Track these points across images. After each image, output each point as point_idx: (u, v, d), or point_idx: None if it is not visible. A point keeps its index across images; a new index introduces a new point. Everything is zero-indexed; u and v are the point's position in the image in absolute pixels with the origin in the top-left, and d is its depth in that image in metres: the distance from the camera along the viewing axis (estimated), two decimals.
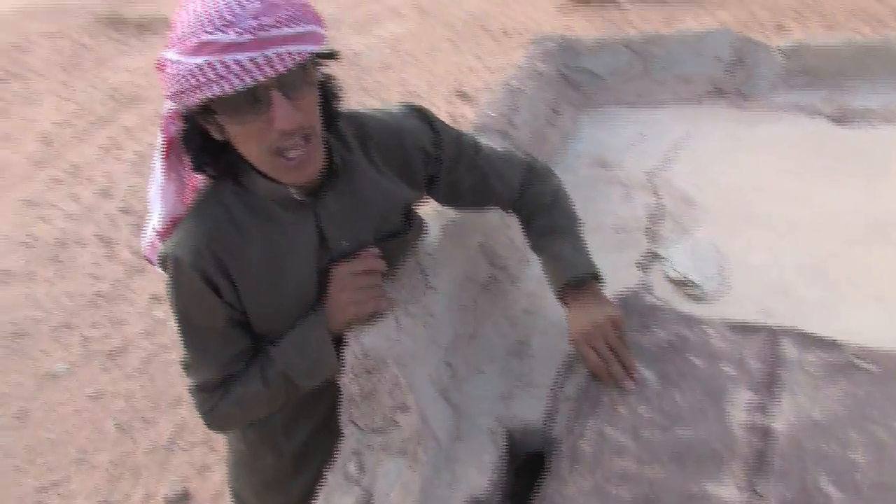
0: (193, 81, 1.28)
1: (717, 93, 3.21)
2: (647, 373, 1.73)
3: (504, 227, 2.32)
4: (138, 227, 5.58)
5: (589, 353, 1.71)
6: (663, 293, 2.09)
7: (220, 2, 1.25)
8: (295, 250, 1.59)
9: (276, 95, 1.31)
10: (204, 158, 1.51)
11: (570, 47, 3.33)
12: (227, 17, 1.24)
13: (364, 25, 9.72)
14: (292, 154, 1.39)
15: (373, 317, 1.64)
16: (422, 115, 1.77)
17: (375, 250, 1.67)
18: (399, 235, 1.79)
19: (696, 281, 2.07)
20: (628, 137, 2.99)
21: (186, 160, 1.56)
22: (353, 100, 7.04)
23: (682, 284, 2.10)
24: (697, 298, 2.05)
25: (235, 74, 1.25)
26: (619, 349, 1.71)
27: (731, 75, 3.18)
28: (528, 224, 1.96)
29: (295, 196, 1.56)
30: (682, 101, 3.23)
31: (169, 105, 1.46)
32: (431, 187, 1.85)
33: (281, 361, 1.63)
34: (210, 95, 1.30)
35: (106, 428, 3.92)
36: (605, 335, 1.70)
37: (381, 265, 1.67)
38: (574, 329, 1.75)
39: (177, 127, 1.49)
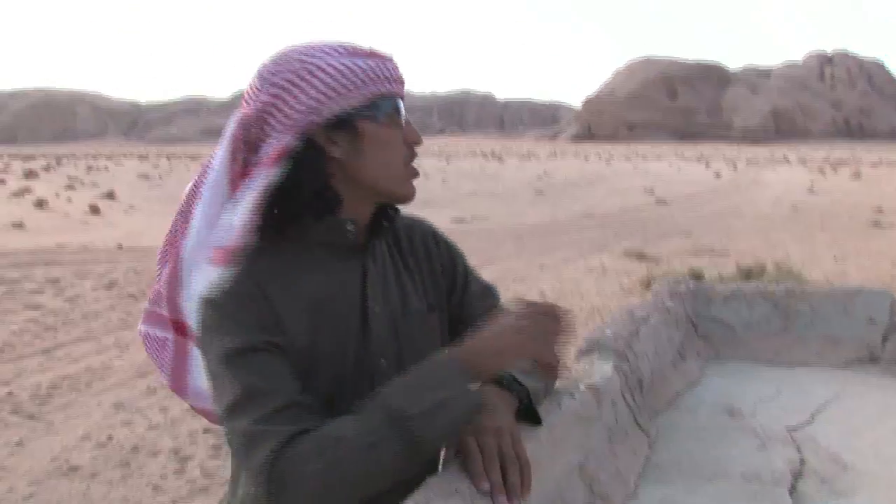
0: (363, 77, 1.40)
1: (870, 359, 2.80)
2: None
3: (612, 456, 1.92)
4: (216, 448, 5.38)
5: (472, 445, 1.32)
6: None
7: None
8: (339, 298, 1.49)
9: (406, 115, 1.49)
10: (313, 180, 1.43)
11: (703, 293, 3.03)
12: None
13: None
14: (414, 168, 1.52)
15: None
16: (440, 233, 1.79)
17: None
18: (426, 313, 1.65)
19: None
20: (762, 392, 2.59)
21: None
22: None
23: None
24: None
25: (397, 81, 1.46)
26: (510, 460, 1.31)
27: (888, 341, 2.78)
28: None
29: (350, 237, 1.51)
30: (827, 364, 2.82)
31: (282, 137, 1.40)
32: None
33: (389, 395, 1.27)
34: (378, 92, 1.42)
35: None
36: (501, 438, 1.33)
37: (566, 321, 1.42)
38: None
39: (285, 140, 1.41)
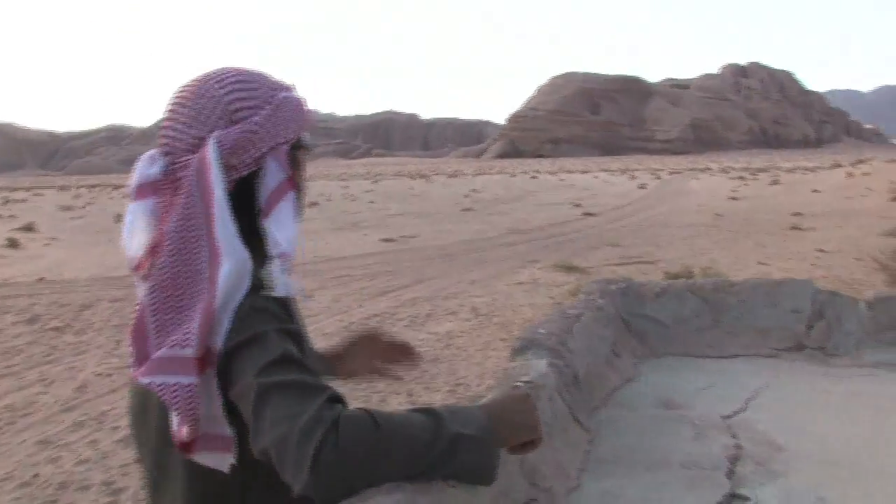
0: (303, 110, 1.49)
1: (796, 347, 2.87)
2: None
3: (553, 451, 1.92)
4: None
5: None
6: None
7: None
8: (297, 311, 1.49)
9: None
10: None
11: (633, 291, 3.07)
12: None
13: (420, 322, 9.79)
14: None
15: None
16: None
17: None
18: None
19: None
20: (697, 384, 2.64)
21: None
22: (402, 387, 6.87)
23: None
24: None
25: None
26: None
27: (812, 329, 2.85)
28: None
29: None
30: (757, 354, 2.88)
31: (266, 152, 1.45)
32: None
33: (453, 420, 1.29)
34: (309, 123, 1.51)
35: None
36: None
37: None
38: None
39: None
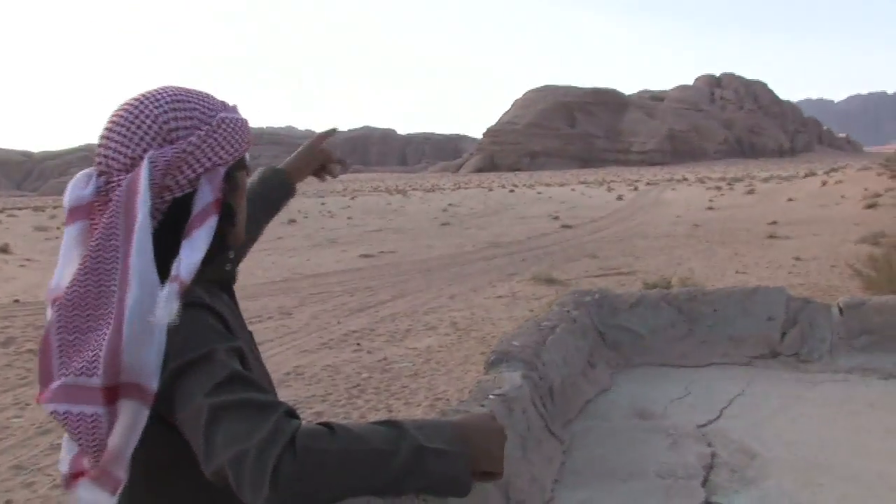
0: (245, 131, 1.45)
1: (771, 355, 2.88)
2: None
3: (527, 463, 1.91)
4: None
5: None
6: None
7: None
8: (241, 327, 1.51)
9: None
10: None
11: (608, 302, 3.07)
12: None
13: (398, 337, 9.76)
14: None
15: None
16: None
17: None
18: None
19: None
20: (672, 394, 2.64)
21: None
22: (381, 403, 6.84)
23: None
24: None
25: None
26: None
27: (786, 336, 2.86)
28: None
29: (228, 267, 1.54)
30: (731, 362, 2.89)
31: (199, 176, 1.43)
32: None
33: (419, 433, 1.27)
34: (250, 146, 1.47)
35: None
36: None
37: None
38: None
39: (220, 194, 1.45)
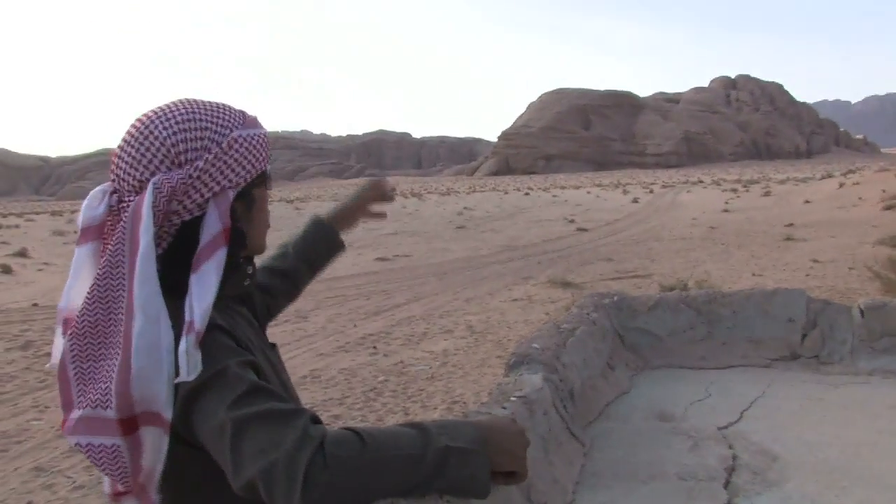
0: (265, 147, 1.44)
1: (791, 357, 2.87)
2: None
3: (548, 465, 1.91)
4: None
5: None
6: None
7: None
8: (258, 341, 1.54)
9: None
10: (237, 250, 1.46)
11: (627, 305, 3.07)
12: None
13: (415, 341, 9.77)
14: None
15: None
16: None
17: None
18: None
19: None
20: (692, 396, 2.63)
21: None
22: (398, 406, 6.84)
23: None
24: None
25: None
26: None
27: (807, 338, 2.85)
28: None
29: (247, 282, 1.54)
30: (751, 364, 2.88)
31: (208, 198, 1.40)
32: None
33: (442, 434, 1.29)
34: (269, 162, 1.46)
35: None
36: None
37: None
38: None
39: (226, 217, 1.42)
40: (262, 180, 1.47)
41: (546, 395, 2.06)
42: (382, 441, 1.23)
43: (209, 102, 1.42)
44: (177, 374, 1.25)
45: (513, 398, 1.88)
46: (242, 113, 1.46)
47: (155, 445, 1.31)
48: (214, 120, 1.39)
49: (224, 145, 1.37)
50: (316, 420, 1.23)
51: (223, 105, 1.43)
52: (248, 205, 1.46)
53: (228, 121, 1.41)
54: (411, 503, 1.31)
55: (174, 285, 1.33)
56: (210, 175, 1.36)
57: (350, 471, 1.18)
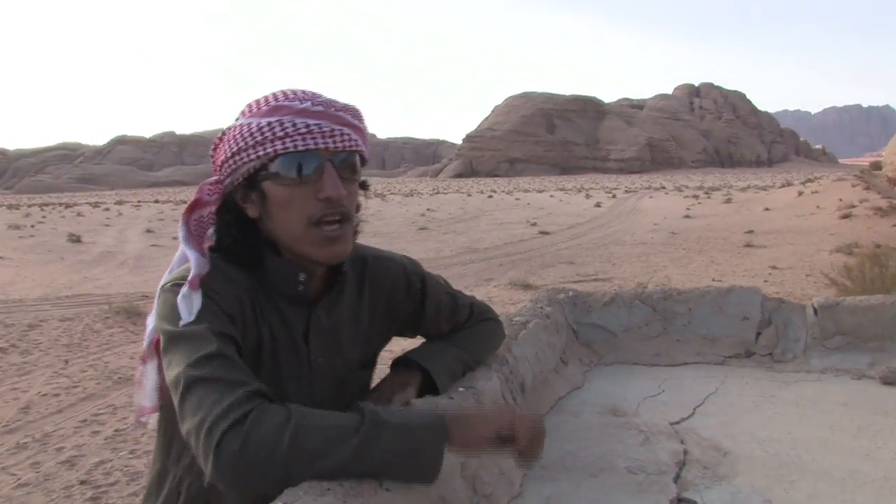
0: (258, 137, 1.41)
1: (746, 354, 2.86)
2: None
3: (494, 456, 1.87)
4: (94, 500, 5.04)
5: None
6: None
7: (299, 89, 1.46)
8: (285, 342, 1.56)
9: (330, 167, 1.44)
10: (231, 232, 1.51)
11: (582, 301, 3.04)
12: (305, 92, 1.45)
13: None
14: (329, 228, 1.45)
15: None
16: (416, 268, 1.88)
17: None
18: (365, 369, 1.77)
19: None
20: (645, 392, 2.61)
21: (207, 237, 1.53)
22: None
23: None
24: None
25: (301, 135, 1.40)
26: None
27: (761, 336, 2.85)
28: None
29: (300, 288, 1.55)
30: (705, 361, 2.87)
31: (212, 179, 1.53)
32: (405, 326, 1.90)
33: (384, 412, 1.33)
34: (271, 152, 1.40)
35: None
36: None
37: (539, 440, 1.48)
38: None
39: (213, 198, 1.51)
40: (269, 176, 1.46)
41: (495, 387, 2.02)
42: (314, 416, 1.26)
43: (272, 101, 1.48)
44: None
45: (461, 389, 1.84)
46: (255, 103, 1.50)
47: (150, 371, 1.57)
48: (247, 110, 1.49)
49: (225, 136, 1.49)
50: (259, 394, 1.28)
51: (268, 95, 1.49)
52: (260, 197, 1.48)
53: (246, 111, 1.48)
54: (347, 490, 1.26)
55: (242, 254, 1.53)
56: (219, 163, 1.51)
57: (266, 442, 1.20)
